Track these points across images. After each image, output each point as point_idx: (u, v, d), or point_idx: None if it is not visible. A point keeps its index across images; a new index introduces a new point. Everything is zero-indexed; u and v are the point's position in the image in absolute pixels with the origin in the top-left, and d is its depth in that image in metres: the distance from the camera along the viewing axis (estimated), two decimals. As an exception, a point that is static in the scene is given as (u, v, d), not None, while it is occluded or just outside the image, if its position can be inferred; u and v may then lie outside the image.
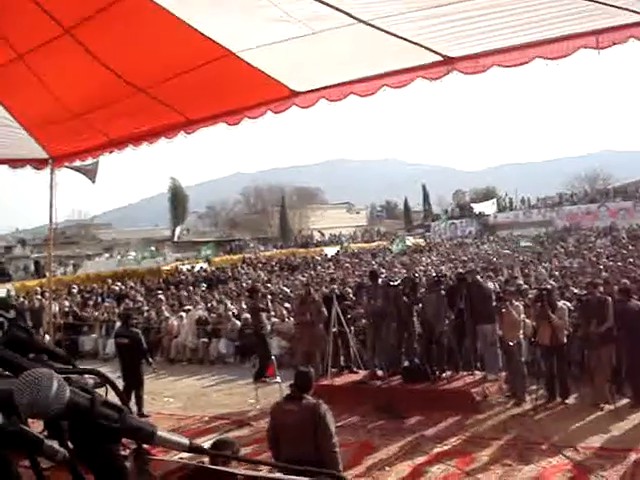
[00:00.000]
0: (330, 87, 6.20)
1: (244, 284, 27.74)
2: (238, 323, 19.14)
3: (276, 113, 6.49)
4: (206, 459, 1.52)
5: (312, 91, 6.34)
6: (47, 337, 18.02)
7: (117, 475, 0.95)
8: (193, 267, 38.87)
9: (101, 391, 1.16)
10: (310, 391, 6.53)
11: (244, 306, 19.94)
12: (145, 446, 1.13)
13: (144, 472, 1.15)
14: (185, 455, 1.65)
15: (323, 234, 69.37)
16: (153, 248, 53.00)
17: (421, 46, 5.34)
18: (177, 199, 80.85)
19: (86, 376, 1.12)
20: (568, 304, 13.26)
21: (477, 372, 12.86)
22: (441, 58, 5.48)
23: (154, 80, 6.34)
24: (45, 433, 1.15)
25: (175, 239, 73.26)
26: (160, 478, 1.14)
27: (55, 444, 1.06)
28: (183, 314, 21.07)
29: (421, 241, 55.20)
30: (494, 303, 12.67)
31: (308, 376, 6.66)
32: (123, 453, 1.21)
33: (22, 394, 0.90)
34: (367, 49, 5.70)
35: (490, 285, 13.62)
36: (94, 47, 5.81)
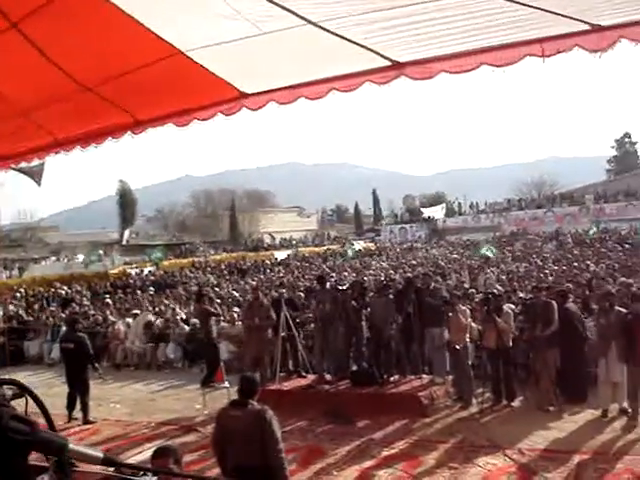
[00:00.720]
0: (279, 90, 6.15)
1: (193, 288, 27.53)
2: (186, 327, 19.00)
3: (227, 115, 6.42)
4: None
5: (261, 93, 6.28)
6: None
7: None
8: (142, 271, 38.44)
9: (21, 402, 1.11)
10: (255, 396, 6.49)
11: (192, 310, 19.77)
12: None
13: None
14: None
15: (274, 238, 69.25)
16: (101, 251, 52.25)
17: (370, 50, 5.34)
18: (125, 202, 79.90)
19: (4, 387, 1.06)
20: (513, 307, 13.48)
21: (424, 376, 12.96)
22: (390, 63, 5.48)
23: (101, 78, 6.21)
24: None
25: (123, 242, 72.45)
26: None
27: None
28: (130, 320, 20.82)
29: (371, 245, 55.49)
30: (442, 307, 12.77)
31: (253, 382, 6.63)
32: (44, 464, 1.16)
33: None
34: (317, 52, 5.67)
35: (439, 289, 13.72)
36: (41, 42, 5.67)
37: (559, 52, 4.77)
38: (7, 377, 1.04)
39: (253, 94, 6.30)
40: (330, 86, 5.83)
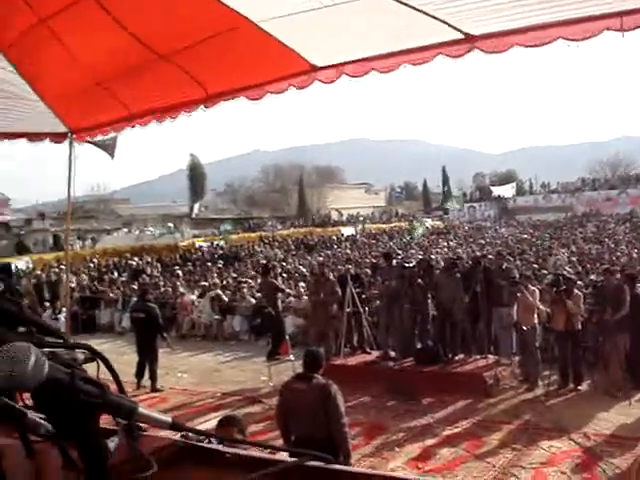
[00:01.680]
0: (350, 63, 6.09)
1: (261, 262, 27.81)
2: (253, 300, 19.20)
3: (299, 89, 6.38)
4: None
5: (332, 66, 6.22)
6: (64, 310, 18.22)
7: (96, 451, 0.95)
8: (210, 244, 39.00)
9: (92, 366, 1.15)
10: (320, 370, 6.52)
11: (259, 284, 19.99)
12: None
13: (132, 448, 1.14)
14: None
15: (341, 214, 69.23)
16: (171, 224, 53.19)
17: (443, 22, 5.24)
18: (196, 176, 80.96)
19: (77, 351, 1.10)
20: (584, 290, 13.20)
21: (490, 356, 12.83)
22: (463, 36, 5.37)
23: (174, 47, 6.26)
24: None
25: (193, 216, 73.45)
26: (149, 454, 1.14)
27: (39, 418, 1.06)
28: (197, 292, 21.20)
29: (439, 223, 55.02)
30: (511, 287, 12.59)
31: (318, 356, 6.64)
32: (113, 428, 1.20)
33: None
34: (388, 24, 5.60)
35: (510, 269, 13.51)
36: (116, 10, 5.76)
37: (638, 27, 4.61)
38: (80, 342, 1.09)
39: (324, 67, 6.25)
40: (401, 59, 5.75)
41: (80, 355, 1.07)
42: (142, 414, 1.00)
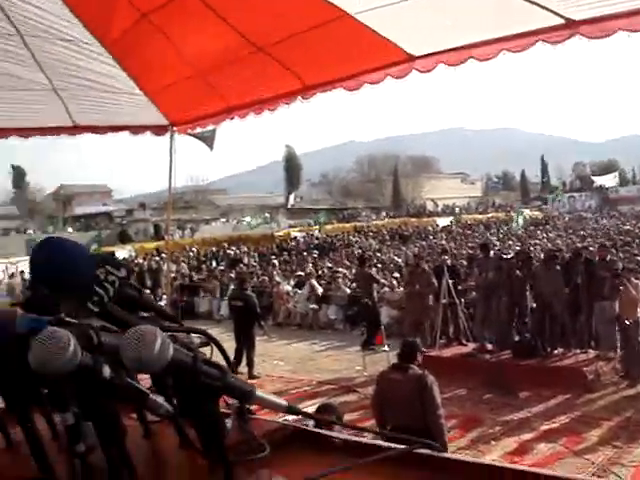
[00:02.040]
0: (448, 51, 5.99)
1: (355, 252, 27.86)
2: (348, 290, 19.27)
3: (396, 78, 6.34)
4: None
5: (430, 55, 6.14)
6: (165, 297, 18.74)
7: (216, 431, 0.98)
8: (306, 234, 39.33)
9: (206, 350, 1.19)
10: (416, 361, 6.50)
11: (354, 274, 20.05)
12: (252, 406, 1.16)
13: (245, 430, 1.18)
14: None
15: (436, 204, 68.57)
16: (267, 214, 53.88)
17: (543, 7, 5.11)
18: (291, 167, 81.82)
19: (192, 335, 1.15)
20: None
21: (590, 350, 12.47)
22: (563, 21, 5.21)
23: (272, 39, 6.33)
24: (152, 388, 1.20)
25: (289, 206, 74.19)
26: (260, 437, 1.18)
27: (160, 399, 1.11)
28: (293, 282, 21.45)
29: (538, 214, 53.76)
30: (613, 280, 12.19)
31: (414, 346, 6.62)
32: (226, 411, 1.25)
33: (127, 349, 0.94)
34: (486, 10, 5.49)
35: (615, 261, 13.07)
36: (216, 2, 5.87)
37: None
38: (196, 327, 1.13)
39: (421, 56, 6.18)
40: (500, 47, 5.62)
41: (196, 339, 1.12)
42: (259, 397, 1.04)
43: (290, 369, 14.28)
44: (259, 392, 1.03)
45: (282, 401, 1.06)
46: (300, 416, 1.24)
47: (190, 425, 1.26)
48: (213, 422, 1.01)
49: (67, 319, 1.17)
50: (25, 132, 8.29)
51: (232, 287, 18.67)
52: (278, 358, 15.31)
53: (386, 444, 1.30)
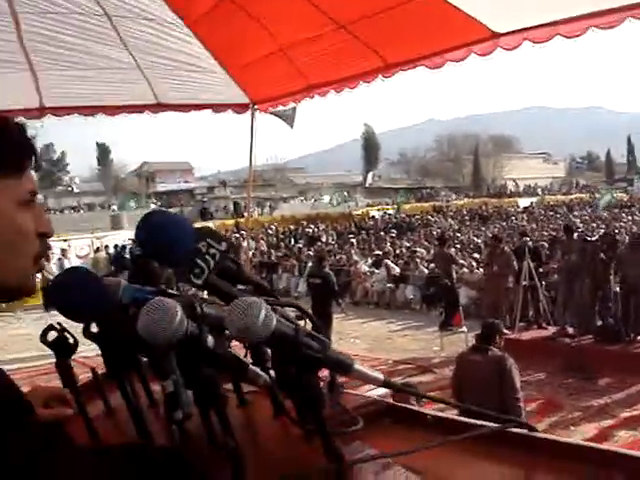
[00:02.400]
0: (534, 28, 5.83)
1: (434, 232, 27.68)
2: (426, 270, 19.18)
3: (480, 56, 6.22)
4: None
5: (515, 32, 5.99)
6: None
7: (316, 402, 1.01)
8: (384, 213, 39.25)
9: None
10: (496, 343, 6.45)
11: (433, 254, 19.94)
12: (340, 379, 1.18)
13: (338, 403, 1.21)
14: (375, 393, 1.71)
15: (517, 184, 67.38)
16: (345, 193, 53.98)
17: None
18: (370, 145, 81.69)
19: (287, 309, 1.17)
20: None
21: (679, 337, 12.09)
22: (655, -4, 5.02)
23: (355, 16, 6.30)
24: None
25: (366, 185, 74.14)
26: (351, 410, 1.20)
27: (258, 370, 1.14)
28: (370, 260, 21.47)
29: (623, 196, 52.15)
30: None
31: (495, 328, 6.58)
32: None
33: (232, 320, 0.97)
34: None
35: None
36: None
37: None
38: (290, 301, 1.16)
39: (506, 33, 6.05)
40: (588, 23, 5.44)
41: (291, 313, 1.14)
42: (357, 370, 1.05)
43: (366, 347, 14.33)
44: (357, 365, 1.05)
45: (379, 375, 1.08)
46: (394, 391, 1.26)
47: (286, 396, 1.29)
48: (312, 393, 1.03)
49: (169, 290, 1.22)
50: (111, 110, 8.49)
51: (310, 265, 18.82)
52: (355, 336, 15.38)
53: (478, 422, 1.30)
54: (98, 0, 6.47)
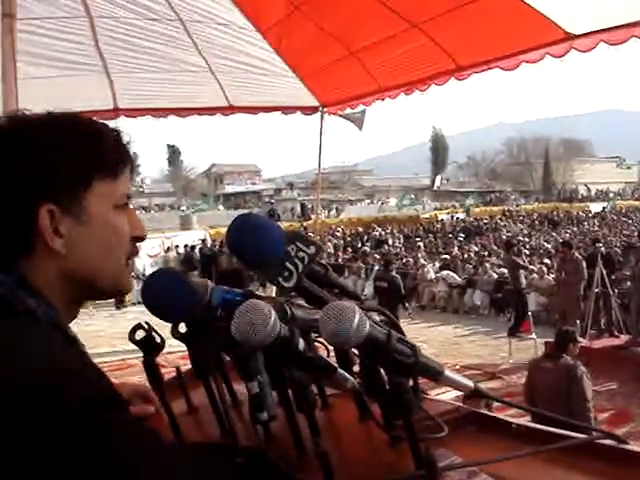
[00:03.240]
0: (611, 29, 5.71)
1: (503, 237, 27.34)
2: (495, 275, 18.94)
3: (556, 57, 6.11)
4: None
5: (590, 34, 5.87)
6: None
7: (406, 408, 1.01)
8: (452, 217, 38.96)
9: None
10: (569, 351, 6.38)
11: (502, 259, 19.69)
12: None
13: (422, 409, 1.21)
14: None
15: (589, 189, 65.96)
16: (413, 196, 53.75)
17: None
18: (438, 148, 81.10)
19: (371, 313, 1.18)
20: None
21: None
22: None
23: (427, 16, 6.27)
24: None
25: (434, 188, 73.66)
26: (434, 416, 1.20)
27: (345, 373, 1.15)
28: (438, 264, 21.31)
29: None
30: None
31: (568, 336, 6.53)
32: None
33: (325, 324, 0.98)
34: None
35: None
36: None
37: None
38: (375, 305, 1.17)
39: (581, 35, 5.93)
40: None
41: (377, 317, 1.15)
42: (448, 376, 1.05)
43: (433, 352, 14.20)
44: (447, 371, 1.05)
45: (469, 382, 1.08)
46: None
47: (372, 401, 1.30)
48: (404, 399, 1.03)
49: (257, 293, 1.24)
50: (184, 112, 8.65)
51: (377, 268, 18.80)
52: (421, 340, 15.27)
53: (564, 432, 1.28)
54: (172, 5, 6.62)
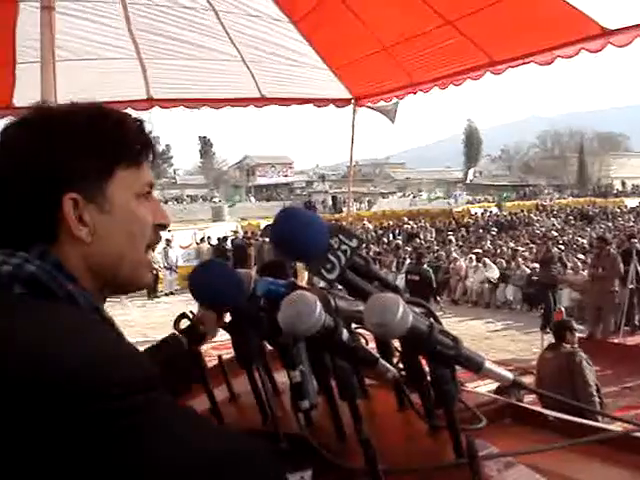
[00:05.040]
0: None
1: (536, 231, 27.10)
2: (528, 270, 18.79)
3: (592, 52, 6.05)
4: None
5: (627, 28, 5.80)
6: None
7: (449, 398, 1.04)
8: (485, 210, 38.69)
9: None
10: (567, 340, 6.56)
11: (535, 254, 19.55)
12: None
13: (460, 401, 1.23)
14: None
15: (625, 183, 65.09)
16: (445, 189, 53.52)
17: None
18: (471, 141, 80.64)
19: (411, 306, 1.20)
20: None
21: None
22: None
23: (462, 12, 6.24)
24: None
25: (467, 181, 73.24)
26: (472, 407, 1.22)
27: (386, 364, 1.17)
28: (472, 256, 21.16)
29: None
30: None
31: (564, 326, 6.75)
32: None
33: (371, 316, 1.00)
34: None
35: None
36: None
37: None
38: (417, 299, 1.18)
39: (618, 30, 5.86)
40: None
41: (417, 308, 1.17)
42: (488, 368, 1.08)
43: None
44: (488, 363, 1.08)
45: (509, 374, 1.10)
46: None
47: (411, 391, 1.32)
48: (446, 389, 1.06)
49: (299, 284, 1.28)
50: (217, 103, 8.66)
51: (409, 261, 18.76)
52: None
53: (600, 425, 1.30)
54: (204, -5, 6.66)
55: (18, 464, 0.83)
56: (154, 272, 1.42)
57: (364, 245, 1.30)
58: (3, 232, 1.06)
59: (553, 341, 7.40)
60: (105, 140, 1.09)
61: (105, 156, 1.09)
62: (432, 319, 1.09)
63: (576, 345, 6.88)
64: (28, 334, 0.91)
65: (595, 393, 6.32)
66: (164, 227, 1.20)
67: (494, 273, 19.79)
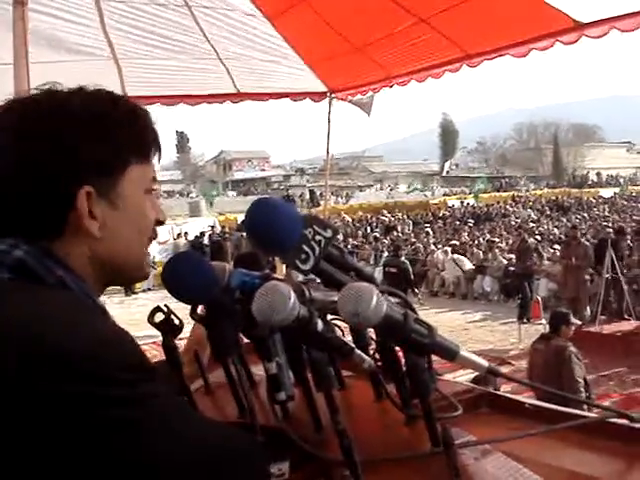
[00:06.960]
0: (621, 17, 5.68)
1: (512, 222, 27.27)
2: (504, 261, 18.92)
3: (566, 44, 6.09)
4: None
5: (600, 22, 5.84)
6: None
7: (424, 387, 1.04)
8: (461, 202, 38.87)
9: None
10: (561, 332, 6.55)
11: (511, 245, 19.68)
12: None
13: (437, 390, 1.23)
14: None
15: (599, 174, 65.64)
16: (422, 181, 53.69)
17: None
18: (447, 134, 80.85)
19: (387, 296, 1.20)
20: None
21: None
22: None
23: (434, 9, 6.28)
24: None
25: (444, 174, 73.51)
26: (448, 396, 1.23)
27: (362, 354, 1.17)
28: (448, 249, 21.26)
29: None
30: None
31: (559, 318, 6.70)
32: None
33: (344, 305, 1.00)
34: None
35: None
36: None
37: None
38: (391, 289, 1.18)
39: (591, 23, 5.90)
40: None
41: (392, 298, 1.17)
42: (463, 356, 1.08)
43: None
44: (463, 352, 1.08)
45: (483, 362, 1.10)
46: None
47: (387, 381, 1.32)
48: (421, 378, 1.06)
49: (274, 275, 1.27)
50: (193, 99, 8.63)
51: (386, 254, 18.81)
52: (431, 326, 15.30)
53: (576, 412, 1.31)
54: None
55: (16, 447, 0.81)
56: (155, 267, 1.41)
57: (341, 238, 1.29)
58: (6, 224, 1.02)
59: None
60: (120, 134, 1.07)
61: (120, 150, 1.07)
62: (407, 309, 1.09)
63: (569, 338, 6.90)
64: (23, 315, 0.89)
65: (582, 388, 6.35)
66: (162, 223, 1.18)
67: (466, 267, 19.91)
